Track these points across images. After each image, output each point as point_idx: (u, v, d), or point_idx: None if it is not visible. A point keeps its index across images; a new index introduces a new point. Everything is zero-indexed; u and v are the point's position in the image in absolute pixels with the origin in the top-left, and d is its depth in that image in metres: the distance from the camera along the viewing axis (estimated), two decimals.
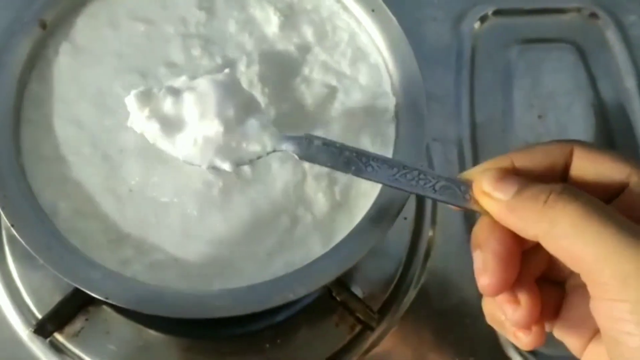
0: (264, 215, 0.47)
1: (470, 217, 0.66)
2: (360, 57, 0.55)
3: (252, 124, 0.43)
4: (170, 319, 0.43)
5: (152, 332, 0.57)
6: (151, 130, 0.43)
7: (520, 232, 0.33)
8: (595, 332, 0.35)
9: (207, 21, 0.55)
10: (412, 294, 0.63)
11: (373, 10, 0.55)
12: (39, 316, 0.56)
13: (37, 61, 0.52)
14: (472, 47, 0.78)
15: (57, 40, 0.52)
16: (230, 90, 0.43)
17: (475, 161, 0.71)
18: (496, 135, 0.73)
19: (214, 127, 0.42)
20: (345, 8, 0.56)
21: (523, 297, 0.35)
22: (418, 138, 0.50)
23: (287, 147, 0.42)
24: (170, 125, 0.43)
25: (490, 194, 0.34)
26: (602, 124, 0.75)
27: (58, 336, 0.56)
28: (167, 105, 0.43)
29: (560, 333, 0.37)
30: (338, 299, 0.57)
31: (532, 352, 0.61)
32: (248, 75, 0.52)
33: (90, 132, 0.49)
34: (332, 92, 0.53)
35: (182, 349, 0.58)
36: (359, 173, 0.39)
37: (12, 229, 0.44)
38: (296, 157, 0.42)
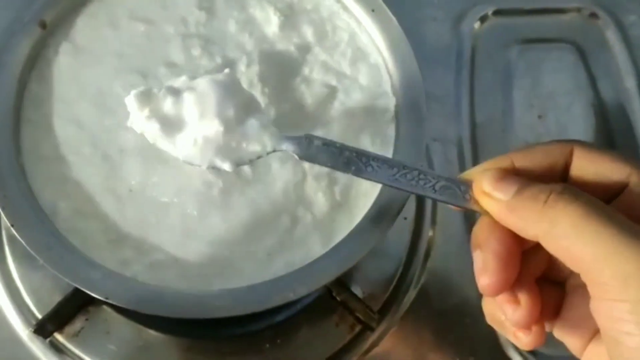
0: (264, 215, 0.47)
1: (470, 217, 0.66)
2: (360, 57, 0.55)
3: (252, 123, 0.43)
4: (170, 319, 0.43)
5: (152, 332, 0.57)
6: (151, 130, 0.43)
7: (520, 232, 0.33)
8: (595, 332, 0.35)
9: (207, 21, 0.55)
10: (412, 294, 0.63)
11: (373, 10, 0.55)
12: (39, 316, 0.56)
13: (37, 61, 0.52)
14: (472, 47, 0.78)
15: (57, 40, 0.52)
16: (230, 90, 0.43)
17: (475, 161, 0.71)
18: (496, 135, 0.73)
19: (214, 127, 0.42)
20: (345, 8, 0.56)
21: (523, 297, 0.35)
22: (418, 138, 0.50)
23: (287, 147, 0.42)
24: (170, 125, 0.43)
25: (490, 193, 0.34)
26: (602, 124, 0.75)
27: (58, 336, 0.56)
28: (167, 105, 0.43)
29: (560, 333, 0.37)
30: (338, 299, 0.57)
31: (532, 352, 0.61)
32: (248, 75, 0.52)
33: (90, 132, 0.49)
34: (332, 92, 0.53)
35: (182, 349, 0.58)
36: (359, 173, 0.39)
37: (12, 229, 0.44)
38: (296, 157, 0.42)
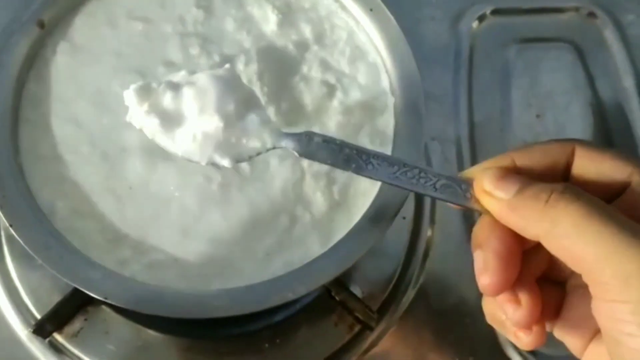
0: (262, 214, 0.47)
1: (469, 217, 0.66)
2: (359, 56, 0.55)
3: (252, 119, 0.42)
4: (169, 319, 0.43)
5: (151, 332, 0.57)
6: (150, 126, 0.42)
7: (521, 232, 0.33)
8: (595, 332, 0.35)
9: (205, 20, 0.54)
10: (411, 294, 0.63)
11: (371, 10, 0.55)
12: (38, 316, 0.56)
13: (35, 61, 0.51)
14: (471, 46, 0.78)
15: (55, 40, 0.52)
16: (231, 85, 0.43)
17: (474, 160, 0.71)
18: (494, 135, 0.73)
19: (213, 123, 0.41)
20: (344, 7, 0.56)
21: (524, 297, 0.34)
22: (416, 137, 0.50)
23: (287, 143, 0.42)
24: (170, 120, 0.42)
25: (491, 192, 0.34)
26: (601, 123, 0.75)
27: (57, 336, 0.56)
28: (167, 100, 0.42)
29: (560, 333, 0.37)
30: (337, 298, 0.57)
31: (532, 352, 0.61)
32: (246, 73, 0.52)
33: (89, 131, 0.49)
34: (330, 90, 0.52)
35: (181, 349, 0.58)
36: (359, 171, 0.39)
37: (10, 228, 0.44)
38: (296, 154, 0.41)
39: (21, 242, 0.43)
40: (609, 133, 0.75)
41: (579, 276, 0.31)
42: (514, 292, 0.34)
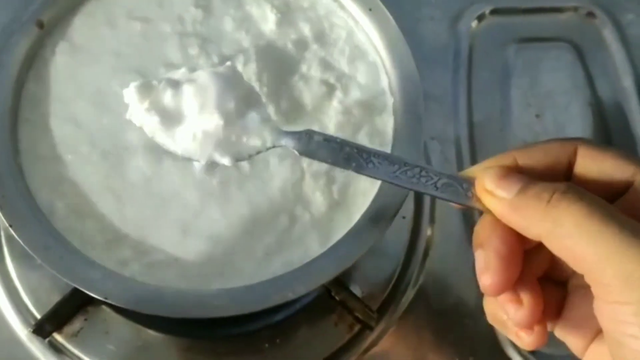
0: (262, 213, 0.47)
1: (469, 216, 0.66)
2: (359, 55, 0.55)
3: (253, 117, 0.42)
4: (169, 319, 0.43)
5: (151, 332, 0.57)
6: (150, 123, 0.42)
7: (523, 231, 0.33)
8: (597, 332, 0.35)
9: (203, 19, 0.54)
10: (410, 294, 0.63)
11: (370, 10, 0.55)
12: (38, 316, 0.56)
13: (35, 61, 0.51)
14: (470, 46, 0.78)
15: (55, 40, 0.52)
16: (231, 83, 0.43)
17: (473, 160, 0.71)
18: (494, 134, 0.73)
19: (213, 121, 0.41)
20: (342, 6, 0.56)
21: (525, 297, 0.34)
22: (416, 137, 0.50)
23: (287, 142, 0.42)
24: (170, 118, 0.42)
25: (493, 192, 0.34)
26: (600, 122, 0.75)
27: (57, 336, 0.56)
28: (167, 97, 0.42)
29: (561, 333, 0.37)
30: (337, 298, 0.57)
31: (532, 352, 0.61)
32: (245, 73, 0.51)
33: (88, 131, 0.49)
34: (330, 90, 0.52)
35: (181, 349, 0.58)
36: (359, 170, 0.39)
37: (10, 229, 0.44)
38: (296, 153, 0.41)
39: (21, 242, 0.43)
40: (608, 133, 0.75)
41: (581, 276, 0.31)
42: (515, 292, 0.34)
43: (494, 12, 0.80)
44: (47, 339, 0.56)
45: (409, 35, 0.54)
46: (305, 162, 0.49)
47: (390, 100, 0.52)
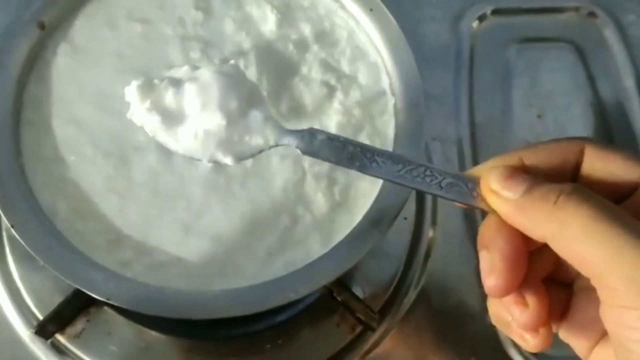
0: (263, 213, 0.47)
1: (470, 217, 0.66)
2: (360, 56, 0.54)
3: (255, 116, 0.42)
4: (171, 319, 0.43)
5: (153, 333, 0.57)
6: (151, 123, 0.42)
7: (528, 233, 0.32)
8: (602, 335, 0.34)
9: (204, 21, 0.54)
10: (412, 295, 0.63)
11: (371, 10, 0.55)
12: (40, 317, 0.56)
13: (36, 62, 0.51)
14: (471, 46, 0.78)
15: (56, 41, 0.52)
16: (234, 82, 0.42)
17: (475, 161, 0.71)
18: (495, 135, 0.73)
19: (216, 120, 0.41)
20: (343, 6, 0.56)
21: (530, 299, 0.34)
22: (417, 137, 0.50)
23: (290, 141, 0.41)
24: (171, 117, 0.42)
25: (499, 192, 0.33)
26: (601, 123, 0.75)
27: (59, 337, 0.56)
28: (169, 96, 0.42)
29: (566, 335, 0.36)
30: (339, 299, 0.57)
31: (535, 353, 0.61)
32: (246, 74, 0.51)
33: (90, 131, 0.49)
34: (331, 91, 0.52)
35: (183, 350, 0.58)
36: (363, 169, 0.38)
37: (12, 229, 0.44)
38: (299, 151, 0.40)
39: (23, 243, 0.43)
40: (609, 133, 0.75)
41: (586, 278, 0.31)
42: (520, 293, 0.34)
43: (495, 12, 0.80)
44: (49, 340, 0.56)
45: (410, 36, 0.54)
46: (307, 162, 0.49)
47: (391, 101, 0.52)
